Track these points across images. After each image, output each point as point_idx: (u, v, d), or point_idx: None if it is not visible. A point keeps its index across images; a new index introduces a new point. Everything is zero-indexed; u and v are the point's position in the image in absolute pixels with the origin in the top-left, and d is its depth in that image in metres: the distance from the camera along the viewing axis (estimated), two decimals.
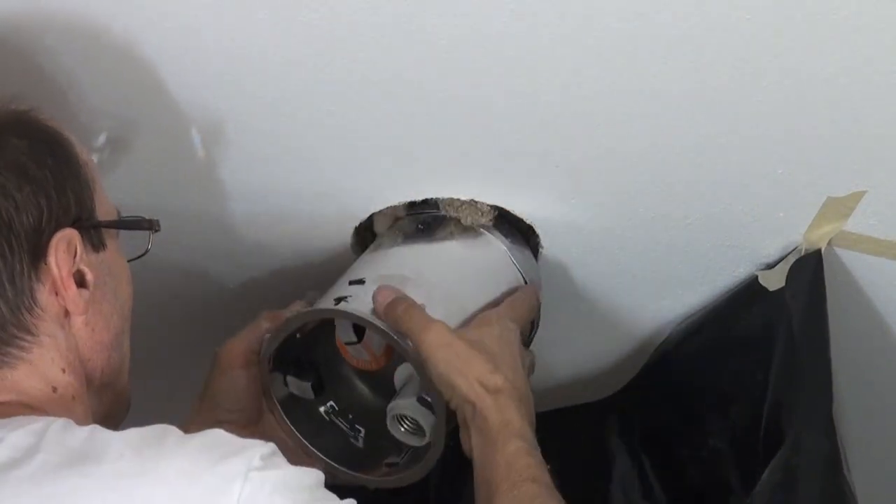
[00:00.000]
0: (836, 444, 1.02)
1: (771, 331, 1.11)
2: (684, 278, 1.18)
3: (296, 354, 1.12)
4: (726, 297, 1.18)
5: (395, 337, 1.03)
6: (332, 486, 0.83)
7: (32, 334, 0.86)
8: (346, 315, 1.06)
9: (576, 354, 1.32)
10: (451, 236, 1.13)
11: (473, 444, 0.99)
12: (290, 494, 0.77)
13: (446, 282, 1.09)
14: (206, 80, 1.01)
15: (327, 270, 1.22)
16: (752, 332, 1.15)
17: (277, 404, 1.10)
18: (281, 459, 0.79)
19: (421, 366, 1.02)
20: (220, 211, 1.17)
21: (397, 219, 1.16)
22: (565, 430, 1.26)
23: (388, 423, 1.10)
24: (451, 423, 1.04)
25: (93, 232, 0.91)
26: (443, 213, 1.14)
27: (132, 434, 0.80)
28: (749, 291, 1.14)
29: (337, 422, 1.13)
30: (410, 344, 1.02)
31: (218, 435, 0.80)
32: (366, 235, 1.19)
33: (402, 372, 1.11)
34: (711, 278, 1.17)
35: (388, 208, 1.15)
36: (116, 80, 1.03)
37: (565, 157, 1.05)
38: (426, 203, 1.14)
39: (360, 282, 1.08)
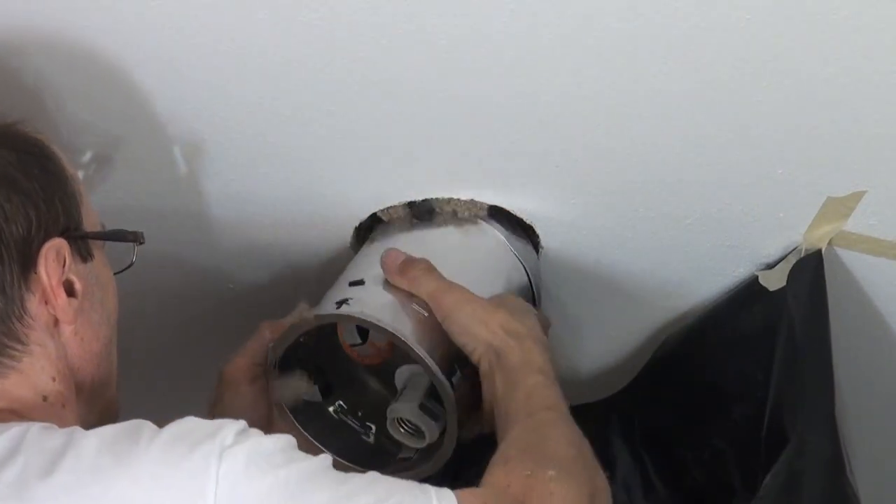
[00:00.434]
0: (838, 445, 1.02)
1: (772, 331, 1.11)
2: (684, 278, 1.18)
3: (301, 358, 1.11)
4: (726, 297, 1.18)
5: (400, 336, 1.03)
6: None
7: (23, 343, 0.87)
8: (350, 319, 1.06)
9: (576, 354, 1.32)
10: (446, 225, 1.13)
11: (497, 387, 1.00)
12: (262, 462, 0.79)
13: (446, 268, 1.09)
14: (204, 86, 1.01)
15: (327, 270, 1.23)
16: (752, 333, 1.14)
17: (287, 410, 1.10)
18: (253, 432, 0.80)
19: (433, 349, 1.03)
20: (221, 213, 1.17)
21: (392, 215, 1.16)
22: None
23: (388, 424, 1.10)
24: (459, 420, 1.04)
25: (80, 243, 0.91)
26: (437, 208, 1.14)
27: (108, 430, 0.80)
28: (749, 291, 1.14)
29: (347, 420, 1.13)
30: (425, 312, 1.04)
31: (190, 422, 0.81)
32: (366, 235, 1.19)
33: (403, 373, 1.11)
34: (711, 278, 1.17)
35: (387, 209, 1.15)
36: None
37: (565, 157, 1.05)
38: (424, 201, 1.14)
39: (360, 283, 1.08)
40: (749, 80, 0.93)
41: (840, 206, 1.05)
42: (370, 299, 1.06)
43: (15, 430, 0.80)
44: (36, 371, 0.87)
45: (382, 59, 0.95)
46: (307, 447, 1.08)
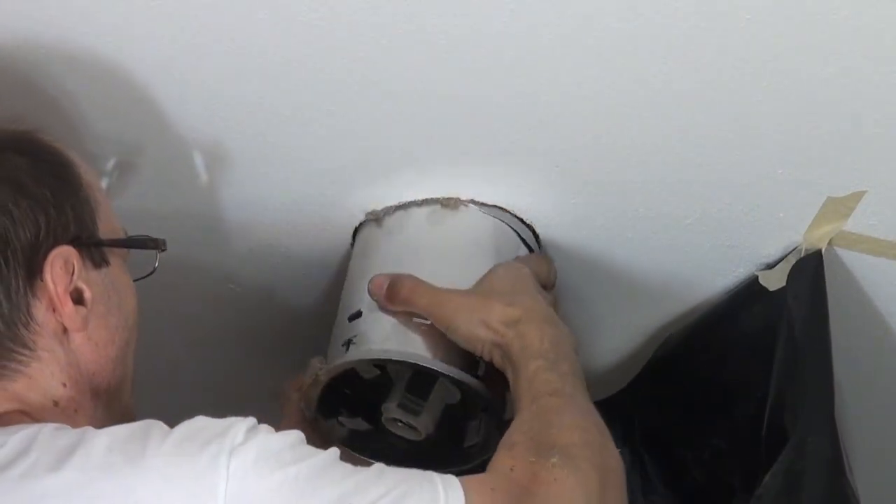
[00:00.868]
0: (838, 445, 1.02)
1: (771, 331, 1.11)
2: (684, 278, 1.18)
3: (334, 396, 1.12)
4: (726, 297, 1.18)
5: (414, 361, 1.05)
6: None
7: (30, 349, 0.87)
8: (360, 361, 1.07)
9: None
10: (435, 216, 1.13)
11: (509, 376, 1.01)
12: (272, 458, 0.79)
13: (445, 260, 1.10)
14: (203, 87, 1.01)
15: (327, 270, 1.23)
16: (752, 333, 1.14)
17: (345, 447, 1.09)
18: (263, 428, 0.81)
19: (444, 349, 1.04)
20: (221, 213, 1.17)
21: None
22: None
23: (385, 422, 1.11)
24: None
25: (94, 250, 0.91)
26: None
27: (119, 429, 0.81)
28: (749, 291, 1.14)
29: (397, 430, 1.13)
30: (427, 321, 1.04)
31: (200, 421, 0.82)
32: None
33: (395, 370, 1.12)
34: (711, 278, 1.17)
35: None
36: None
37: (565, 157, 1.05)
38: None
39: (358, 314, 1.09)
40: (749, 80, 0.93)
41: (840, 206, 1.05)
42: (372, 332, 1.07)
43: (28, 429, 0.81)
44: (45, 376, 0.87)
45: (382, 58, 0.95)
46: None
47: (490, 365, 1.05)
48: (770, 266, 1.13)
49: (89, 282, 0.90)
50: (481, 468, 0.93)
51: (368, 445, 1.13)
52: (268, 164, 1.10)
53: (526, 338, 1.01)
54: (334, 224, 1.17)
